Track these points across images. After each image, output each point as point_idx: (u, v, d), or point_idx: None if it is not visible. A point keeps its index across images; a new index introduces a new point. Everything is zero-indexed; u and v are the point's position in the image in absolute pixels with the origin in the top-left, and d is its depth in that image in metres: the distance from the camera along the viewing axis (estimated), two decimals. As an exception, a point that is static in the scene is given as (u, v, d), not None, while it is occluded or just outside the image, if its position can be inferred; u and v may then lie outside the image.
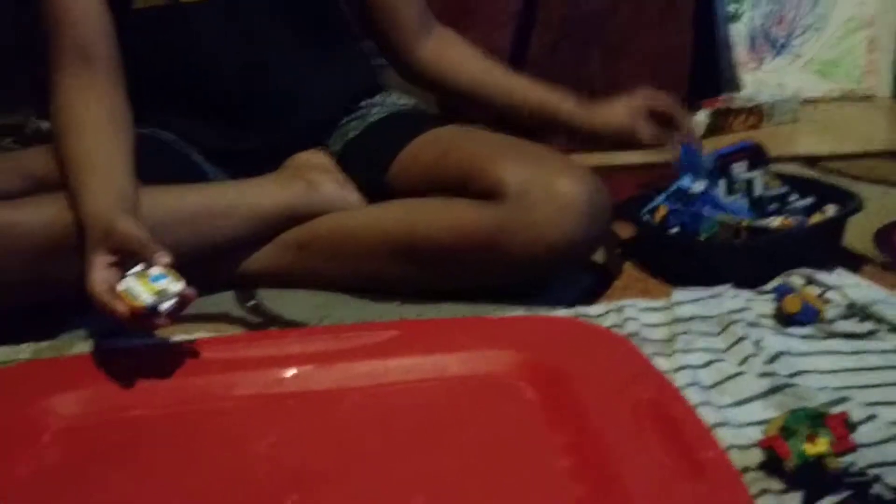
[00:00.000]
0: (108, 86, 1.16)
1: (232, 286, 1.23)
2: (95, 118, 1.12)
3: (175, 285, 0.94)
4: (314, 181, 1.26)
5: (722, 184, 1.25)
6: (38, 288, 1.08)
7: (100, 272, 0.96)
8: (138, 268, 0.96)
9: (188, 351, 1.00)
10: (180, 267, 0.97)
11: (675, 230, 1.19)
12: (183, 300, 0.95)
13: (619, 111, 1.31)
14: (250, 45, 1.25)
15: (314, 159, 1.31)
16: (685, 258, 1.18)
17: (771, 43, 1.96)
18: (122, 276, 0.95)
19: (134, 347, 1.03)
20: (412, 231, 1.15)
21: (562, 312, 1.10)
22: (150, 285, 0.93)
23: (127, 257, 0.97)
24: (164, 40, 1.23)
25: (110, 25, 1.18)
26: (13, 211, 1.06)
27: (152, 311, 0.93)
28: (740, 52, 1.95)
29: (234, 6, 1.23)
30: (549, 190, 1.08)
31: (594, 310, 1.10)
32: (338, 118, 1.34)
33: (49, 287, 1.08)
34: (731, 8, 1.93)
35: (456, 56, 1.34)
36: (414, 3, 1.33)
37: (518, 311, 1.12)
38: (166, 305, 0.93)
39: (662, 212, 1.19)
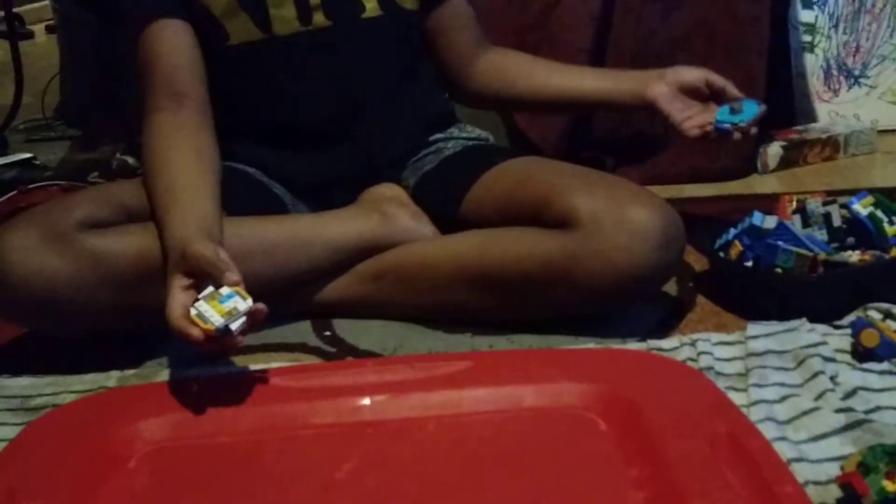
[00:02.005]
0: (197, 125, 1.21)
1: (309, 315, 1.26)
2: (184, 157, 1.16)
3: (243, 304, 0.97)
4: (390, 213, 1.28)
5: (797, 218, 1.24)
6: (125, 315, 1.12)
7: (176, 296, 0.99)
8: (209, 290, 0.99)
9: (268, 380, 1.03)
10: (259, 296, 1.00)
11: (749, 259, 1.19)
12: (253, 317, 0.98)
13: (650, 86, 1.30)
14: (342, 79, 1.28)
15: (389, 192, 1.33)
16: (760, 292, 1.17)
17: (846, 73, 1.93)
18: (195, 300, 0.98)
19: (216, 376, 1.06)
20: (486, 261, 1.16)
21: (634, 345, 1.10)
22: (220, 307, 0.96)
23: (201, 279, 1.01)
24: (258, 73, 1.28)
25: (201, 66, 1.24)
26: (103, 239, 1.10)
27: (224, 331, 0.96)
28: (815, 82, 1.93)
29: (328, 39, 1.26)
30: (622, 218, 1.09)
31: (667, 343, 1.10)
32: (415, 152, 1.37)
33: (135, 314, 1.11)
34: (805, 38, 1.92)
35: (509, 66, 1.39)
36: (469, 27, 1.39)
37: (589, 344, 1.12)
38: (236, 325, 0.96)
39: (737, 248, 1.19)
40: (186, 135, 1.19)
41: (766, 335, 1.07)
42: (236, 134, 1.29)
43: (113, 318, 1.12)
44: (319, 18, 1.25)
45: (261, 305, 0.98)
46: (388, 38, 1.31)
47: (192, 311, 0.97)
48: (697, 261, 1.32)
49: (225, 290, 0.98)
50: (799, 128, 1.85)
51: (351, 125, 1.30)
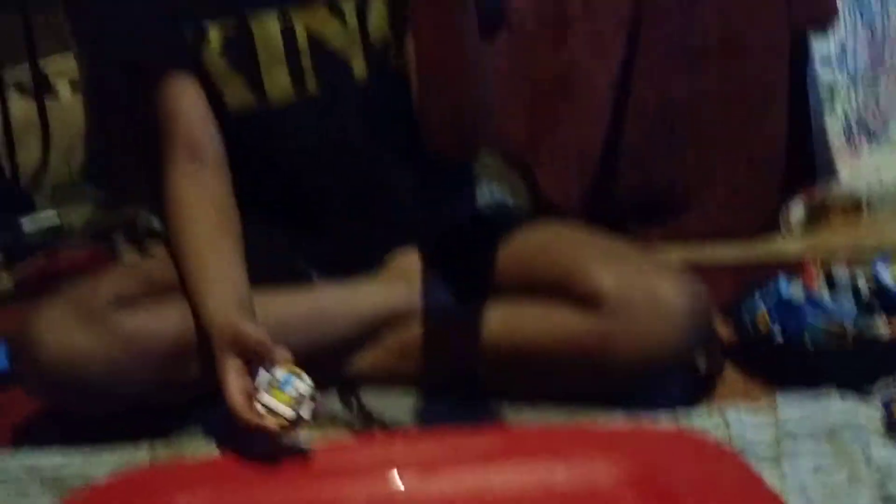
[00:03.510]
0: (216, 181, 1.22)
1: (335, 385, 1.26)
2: (206, 214, 1.18)
3: (303, 385, 1.00)
4: (413, 283, 1.28)
5: (823, 286, 1.24)
6: (156, 392, 1.13)
7: (235, 384, 1.01)
8: (265, 377, 1.00)
9: (300, 455, 1.02)
10: None
11: (778, 335, 1.19)
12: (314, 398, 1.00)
13: None
14: (341, 144, 1.27)
15: (411, 260, 1.33)
16: (789, 363, 1.17)
17: (867, 132, 1.94)
18: (255, 389, 1.00)
19: (247, 451, 1.06)
20: (512, 336, 1.16)
21: (663, 417, 1.10)
22: (283, 395, 0.99)
23: (252, 359, 1.02)
24: (256, 141, 1.27)
25: (216, 125, 1.24)
26: (135, 318, 1.12)
27: (296, 420, 0.99)
28: (836, 142, 1.93)
29: (324, 108, 1.26)
30: (650, 297, 1.09)
31: (698, 416, 1.09)
32: (432, 215, 1.36)
33: (166, 391, 1.13)
34: (826, 96, 1.93)
35: None
36: None
37: (617, 415, 1.11)
38: (307, 411, 0.99)
39: (764, 317, 1.19)
40: (207, 191, 1.20)
41: (797, 408, 1.07)
42: (248, 201, 1.28)
43: (144, 395, 1.13)
44: (311, 83, 1.25)
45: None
46: (384, 101, 1.28)
47: (260, 408, 0.99)
48: (725, 329, 1.32)
49: (280, 375, 1.00)
50: (821, 187, 1.86)
51: (355, 192, 1.29)
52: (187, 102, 1.23)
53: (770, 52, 1.76)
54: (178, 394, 1.11)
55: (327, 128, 1.27)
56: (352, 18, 1.24)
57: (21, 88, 3.21)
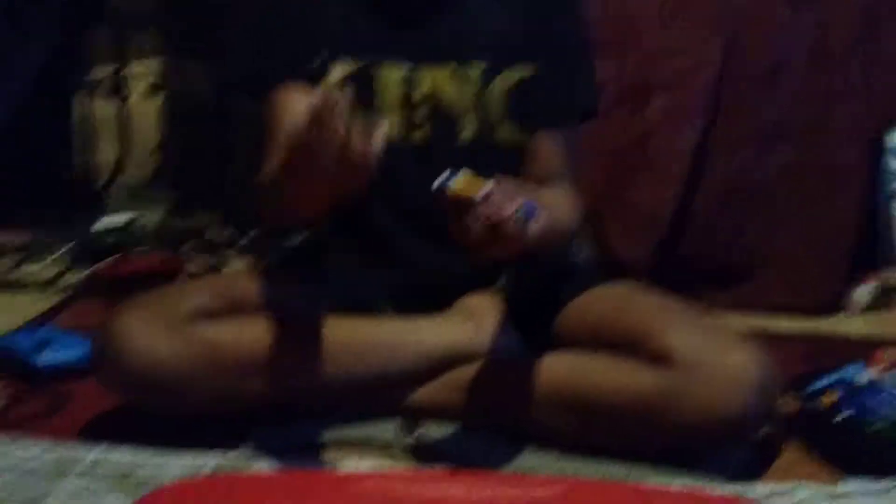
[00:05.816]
0: None
1: (399, 415, 1.28)
2: None
3: None
4: (484, 325, 1.30)
5: (893, 375, 1.25)
6: (232, 400, 1.18)
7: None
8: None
9: (357, 484, 1.05)
10: (350, 395, 1.09)
11: (842, 415, 1.19)
12: None
13: None
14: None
15: (484, 302, 1.35)
16: (853, 447, 1.17)
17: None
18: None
19: (304, 471, 1.09)
20: (580, 385, 1.18)
21: (726, 488, 1.10)
22: None
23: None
24: None
25: None
26: (214, 328, 1.17)
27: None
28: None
29: (425, 158, 1.30)
30: (719, 363, 1.10)
31: (759, 490, 1.10)
32: (511, 266, 1.38)
33: (237, 402, 1.18)
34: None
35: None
36: (541, 162, 1.35)
37: (676, 479, 1.12)
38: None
39: (831, 397, 1.19)
40: None
41: (863, 493, 1.07)
42: (339, 234, 1.33)
43: (217, 402, 1.17)
44: (419, 134, 1.30)
45: None
46: (484, 164, 1.29)
47: None
48: (788, 403, 1.32)
49: None
50: (888, 272, 1.86)
51: (441, 236, 1.32)
52: (294, 110, 1.25)
53: (846, 138, 1.79)
54: (249, 404, 1.15)
55: (424, 177, 1.30)
56: (476, 85, 1.30)
57: (100, 90, 3.29)
